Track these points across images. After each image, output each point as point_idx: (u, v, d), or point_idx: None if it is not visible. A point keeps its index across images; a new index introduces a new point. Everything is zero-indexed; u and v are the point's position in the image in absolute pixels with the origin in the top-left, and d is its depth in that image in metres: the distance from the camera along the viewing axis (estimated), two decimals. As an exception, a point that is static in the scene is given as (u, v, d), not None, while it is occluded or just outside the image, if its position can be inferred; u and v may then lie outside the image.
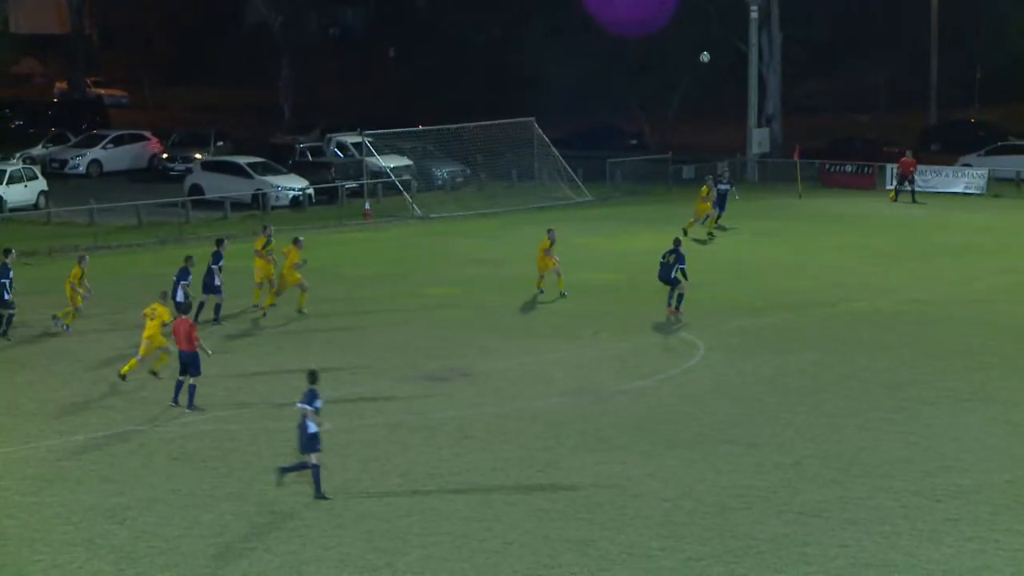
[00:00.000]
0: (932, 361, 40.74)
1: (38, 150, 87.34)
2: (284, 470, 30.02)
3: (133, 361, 38.16)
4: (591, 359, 41.26)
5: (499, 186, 79.34)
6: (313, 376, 30.02)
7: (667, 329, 44.63)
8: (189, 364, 35.76)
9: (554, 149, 79.58)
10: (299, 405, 29.81)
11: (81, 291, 44.34)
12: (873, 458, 32.11)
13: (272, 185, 74.12)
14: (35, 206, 71.40)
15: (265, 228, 48.58)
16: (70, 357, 41.70)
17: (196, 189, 74.84)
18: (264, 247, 46.41)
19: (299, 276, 46.07)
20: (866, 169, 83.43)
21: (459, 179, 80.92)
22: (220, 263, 45.11)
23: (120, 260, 58.97)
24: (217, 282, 44.88)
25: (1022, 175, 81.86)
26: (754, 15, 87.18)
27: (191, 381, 35.86)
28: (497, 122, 79.37)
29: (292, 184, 74.96)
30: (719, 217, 66.08)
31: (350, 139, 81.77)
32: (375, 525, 28.11)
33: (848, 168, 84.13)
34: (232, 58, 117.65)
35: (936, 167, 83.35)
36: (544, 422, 35.03)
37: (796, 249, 61.09)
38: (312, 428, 29.53)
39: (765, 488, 30.21)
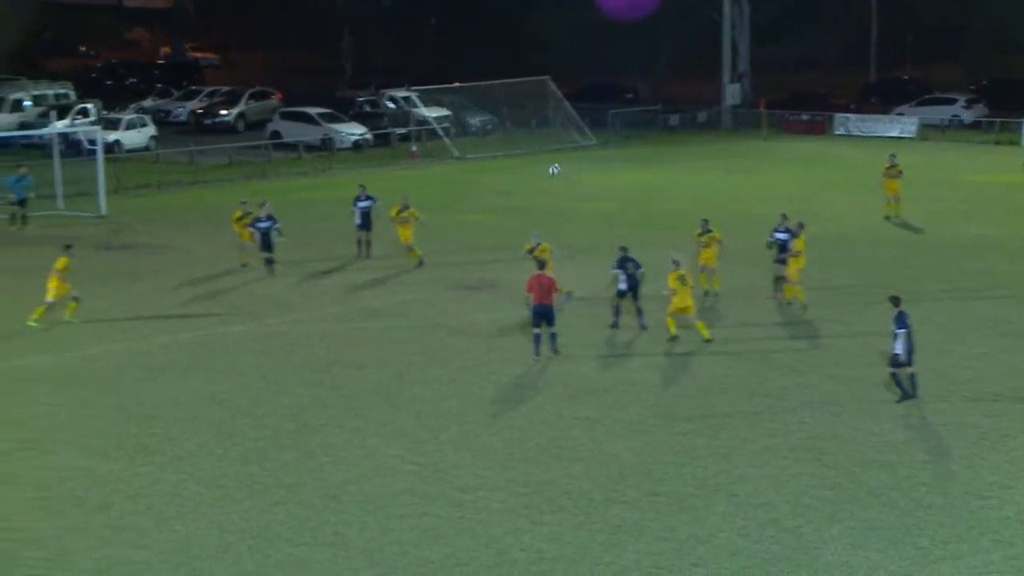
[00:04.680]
0: (864, 270, 40.49)
1: (148, 102, 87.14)
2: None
3: None
4: (594, 272, 41.10)
5: (521, 132, 79.12)
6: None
7: (657, 247, 44.20)
8: (546, 316, 31.48)
9: (566, 102, 79.73)
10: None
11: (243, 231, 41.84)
12: (826, 352, 32.10)
13: (337, 131, 74.23)
14: (146, 148, 71.45)
15: (403, 198, 43.79)
16: (176, 272, 41.71)
17: (276, 134, 74.81)
18: (399, 213, 42.94)
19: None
20: (818, 117, 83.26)
21: (488, 127, 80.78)
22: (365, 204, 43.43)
23: (214, 193, 58.95)
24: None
25: (945, 122, 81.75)
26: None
27: (551, 331, 31.69)
28: (519, 80, 79.27)
29: (353, 130, 74.99)
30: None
31: (400, 93, 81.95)
32: (422, 407, 28.24)
33: (804, 117, 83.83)
34: (304, 26, 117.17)
35: (875, 115, 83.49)
36: (558, 325, 34.98)
37: (762, 182, 60.84)
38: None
39: (738, 376, 30.25)
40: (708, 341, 32.66)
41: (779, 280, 37.14)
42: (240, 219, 42.16)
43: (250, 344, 33.27)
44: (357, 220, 43.48)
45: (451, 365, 31.35)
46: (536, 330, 31.48)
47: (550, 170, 37.29)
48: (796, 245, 36.30)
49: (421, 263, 42.26)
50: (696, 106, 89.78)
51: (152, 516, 22.31)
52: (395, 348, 32.80)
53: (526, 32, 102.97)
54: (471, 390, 29.43)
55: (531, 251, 36.38)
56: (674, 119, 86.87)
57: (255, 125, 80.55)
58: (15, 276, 40.89)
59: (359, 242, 43.52)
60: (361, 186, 44.61)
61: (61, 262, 34.60)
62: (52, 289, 34.46)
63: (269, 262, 40.51)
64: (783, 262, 36.75)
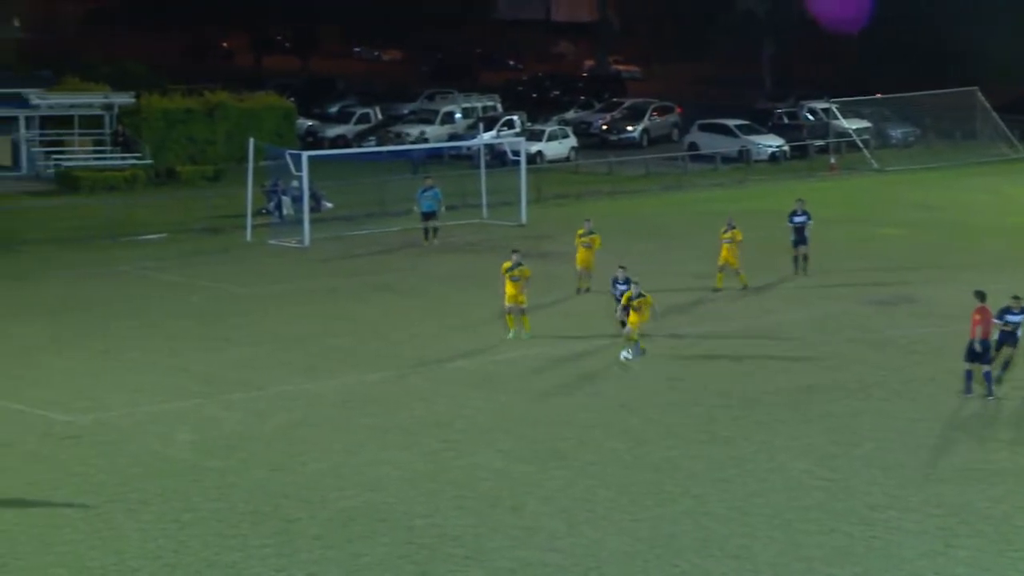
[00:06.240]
0: None
1: (570, 114, 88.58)
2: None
3: None
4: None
5: (944, 144, 76.86)
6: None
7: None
8: (986, 351, 29.00)
9: (994, 113, 77.05)
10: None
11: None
12: None
13: (754, 143, 73.99)
14: (566, 159, 73.00)
15: (729, 220, 41.24)
16: (586, 280, 41.72)
17: (693, 146, 75.12)
18: (726, 231, 40.46)
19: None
20: None
21: (910, 138, 78.88)
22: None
23: (631, 203, 59.62)
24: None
25: None
26: None
27: (985, 368, 29.10)
28: (945, 91, 76.88)
29: (771, 142, 74.50)
30: None
31: (819, 105, 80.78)
32: (834, 422, 27.75)
33: None
34: (723, 39, 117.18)
35: None
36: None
37: None
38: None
39: None
40: None
41: None
42: (581, 236, 40.13)
43: (661, 354, 33.41)
44: (792, 236, 42.58)
45: (865, 381, 30.69)
46: (969, 365, 29.05)
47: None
48: None
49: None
50: None
51: (564, 520, 22.72)
52: (807, 362, 32.36)
53: (951, 42, 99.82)
54: (884, 407, 28.74)
55: (583, 235, 39.46)
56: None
57: (657, 140, 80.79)
58: (454, 283, 42.61)
59: (795, 258, 42.61)
60: (799, 200, 43.38)
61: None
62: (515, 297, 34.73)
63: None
64: None
